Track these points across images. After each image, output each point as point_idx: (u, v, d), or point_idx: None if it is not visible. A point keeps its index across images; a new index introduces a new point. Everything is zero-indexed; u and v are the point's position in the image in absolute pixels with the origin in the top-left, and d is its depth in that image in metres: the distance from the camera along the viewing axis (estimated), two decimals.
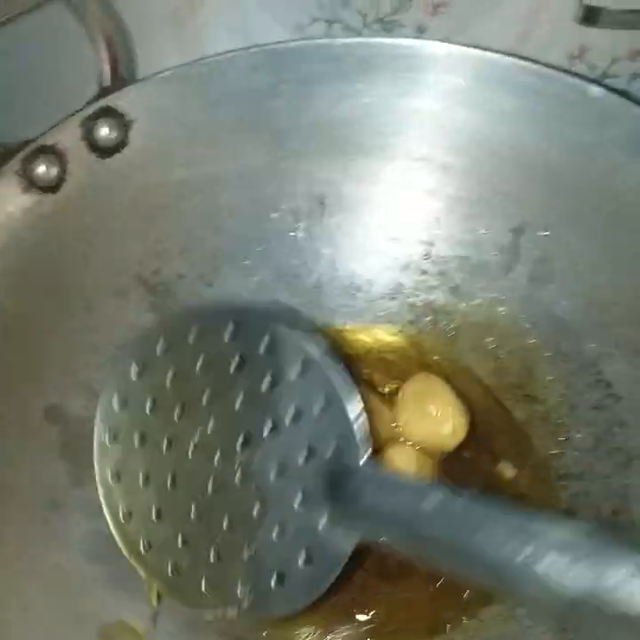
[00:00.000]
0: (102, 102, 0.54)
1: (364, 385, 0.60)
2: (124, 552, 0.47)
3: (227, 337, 0.45)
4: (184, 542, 0.44)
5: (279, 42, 0.57)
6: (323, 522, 0.39)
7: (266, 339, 0.44)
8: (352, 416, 0.41)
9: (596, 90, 0.53)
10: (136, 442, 0.46)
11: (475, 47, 0.56)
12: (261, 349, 0.44)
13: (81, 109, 0.53)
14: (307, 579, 0.41)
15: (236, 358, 0.44)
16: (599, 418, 0.56)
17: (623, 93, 0.56)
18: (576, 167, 0.56)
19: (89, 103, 0.54)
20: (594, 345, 0.57)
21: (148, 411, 0.46)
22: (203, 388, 0.45)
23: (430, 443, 0.57)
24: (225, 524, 0.43)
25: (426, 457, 0.57)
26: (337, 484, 0.39)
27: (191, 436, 0.45)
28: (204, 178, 0.59)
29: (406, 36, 0.62)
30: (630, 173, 0.53)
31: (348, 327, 0.65)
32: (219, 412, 0.44)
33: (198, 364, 0.45)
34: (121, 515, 0.47)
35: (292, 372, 0.42)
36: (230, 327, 0.45)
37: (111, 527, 0.48)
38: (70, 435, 0.54)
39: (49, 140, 0.52)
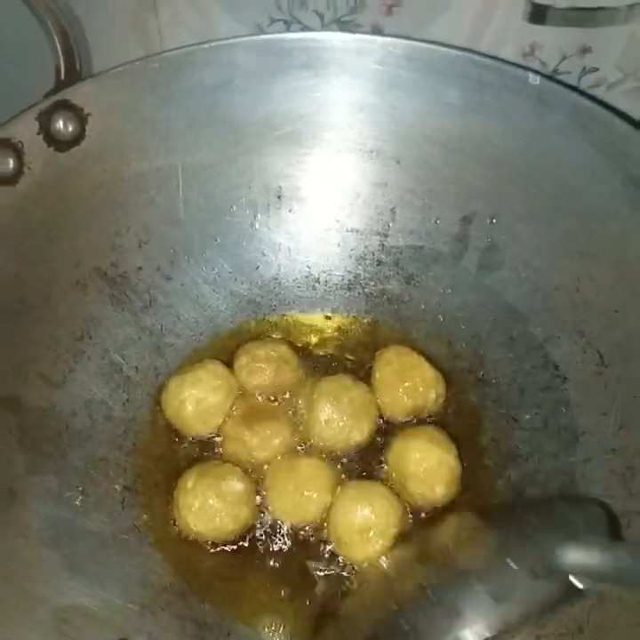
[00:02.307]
0: (58, 96, 0.54)
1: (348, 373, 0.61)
2: None
3: None
4: None
5: (232, 37, 0.58)
6: None
7: None
8: None
9: (535, 77, 0.55)
10: None
11: (421, 41, 0.58)
12: None
13: (37, 103, 0.54)
14: None
15: None
16: (547, 399, 0.58)
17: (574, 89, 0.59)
18: (519, 155, 0.58)
19: (45, 97, 0.54)
20: (541, 329, 0.59)
21: None
22: None
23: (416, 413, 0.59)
24: None
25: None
26: None
27: None
28: (159, 172, 0.60)
29: None
30: (569, 157, 0.55)
31: (306, 316, 0.66)
32: None
33: None
34: None
35: None
36: None
37: None
38: (28, 424, 0.54)
39: (5, 134, 0.53)
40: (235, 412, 0.58)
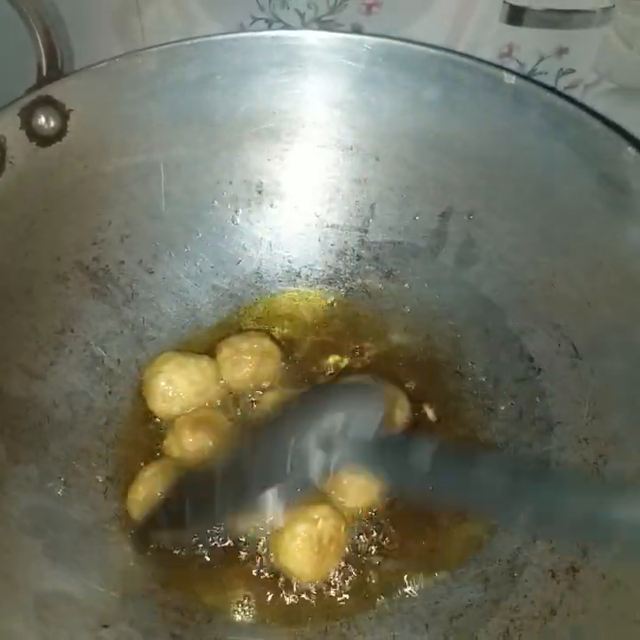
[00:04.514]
0: (40, 92, 0.55)
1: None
2: None
3: None
4: None
5: (212, 34, 0.59)
6: None
7: None
8: None
9: (510, 77, 0.56)
10: None
11: (398, 39, 0.58)
12: None
13: (19, 98, 0.55)
14: None
15: None
16: (522, 390, 0.59)
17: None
18: (495, 152, 0.59)
19: (27, 92, 0.55)
20: (516, 321, 0.60)
21: None
22: None
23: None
24: None
25: None
26: None
27: None
28: (141, 167, 0.61)
29: None
30: (544, 155, 0.56)
31: (287, 310, 0.67)
32: None
33: None
34: None
35: None
36: None
37: None
38: (9, 415, 0.55)
39: None
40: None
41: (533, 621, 0.49)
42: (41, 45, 0.56)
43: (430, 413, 0.61)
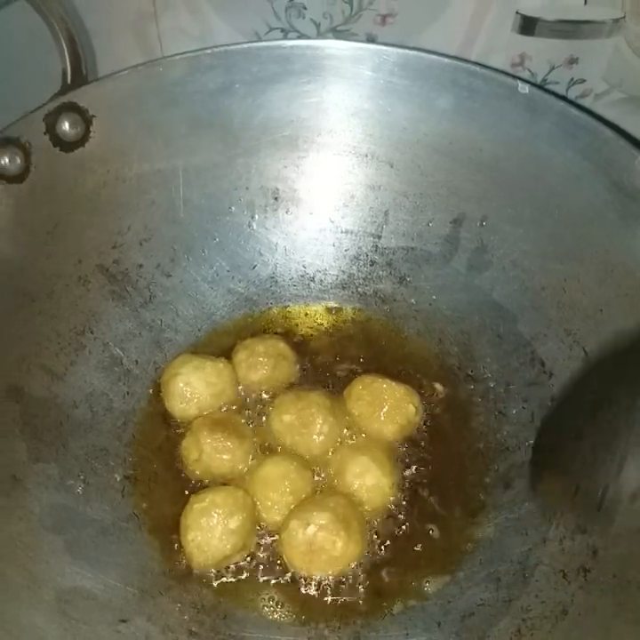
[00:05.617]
0: (64, 98, 0.56)
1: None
2: None
3: None
4: None
5: (233, 43, 0.60)
6: None
7: None
8: None
9: (524, 86, 0.57)
10: None
11: (414, 49, 0.60)
12: None
13: (44, 105, 0.56)
14: None
15: None
16: (534, 394, 0.60)
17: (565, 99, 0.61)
18: (508, 160, 0.60)
19: (52, 99, 0.56)
20: (528, 327, 0.61)
21: None
22: None
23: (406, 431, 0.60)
24: None
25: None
26: None
27: None
28: (161, 173, 0.62)
29: None
30: (556, 163, 0.57)
31: (302, 314, 0.68)
32: None
33: None
34: None
35: None
36: None
37: None
38: (31, 414, 0.56)
39: (13, 133, 0.54)
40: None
41: (545, 621, 0.49)
42: (66, 53, 0.57)
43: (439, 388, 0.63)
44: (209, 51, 0.59)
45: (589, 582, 0.49)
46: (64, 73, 0.58)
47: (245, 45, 0.60)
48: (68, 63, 0.57)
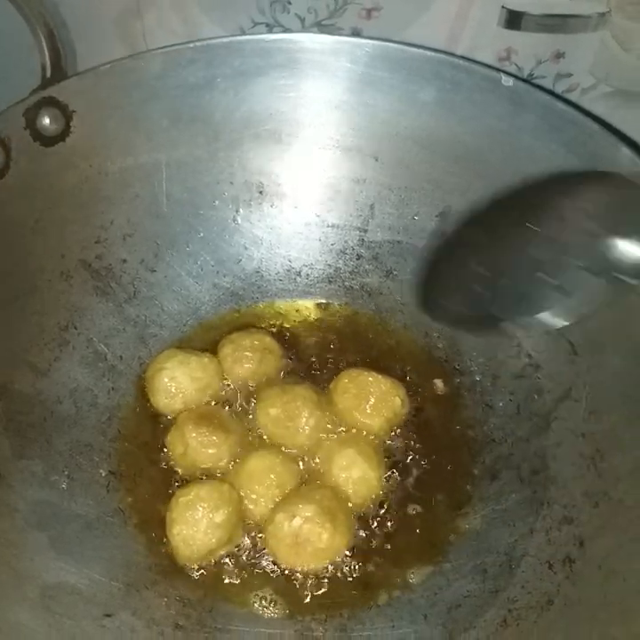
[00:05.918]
0: (44, 93, 0.56)
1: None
2: None
3: None
4: None
5: (214, 37, 0.60)
6: None
7: None
8: None
9: (507, 79, 0.57)
10: None
11: (396, 42, 0.59)
12: None
13: (24, 100, 0.56)
14: None
15: None
16: (520, 386, 0.60)
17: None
18: (492, 153, 0.60)
19: (31, 94, 0.56)
20: None
21: None
22: None
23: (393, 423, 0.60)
24: None
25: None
26: None
27: None
28: (143, 167, 0.62)
29: None
30: (541, 157, 0.57)
31: (288, 309, 0.67)
32: None
33: None
34: None
35: None
36: None
37: None
38: (14, 411, 0.55)
39: None
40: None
41: (530, 611, 0.49)
42: (45, 48, 0.57)
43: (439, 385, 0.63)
44: (191, 45, 0.59)
45: (575, 573, 0.49)
46: (43, 68, 0.57)
47: (226, 39, 0.60)
48: (47, 58, 0.57)
